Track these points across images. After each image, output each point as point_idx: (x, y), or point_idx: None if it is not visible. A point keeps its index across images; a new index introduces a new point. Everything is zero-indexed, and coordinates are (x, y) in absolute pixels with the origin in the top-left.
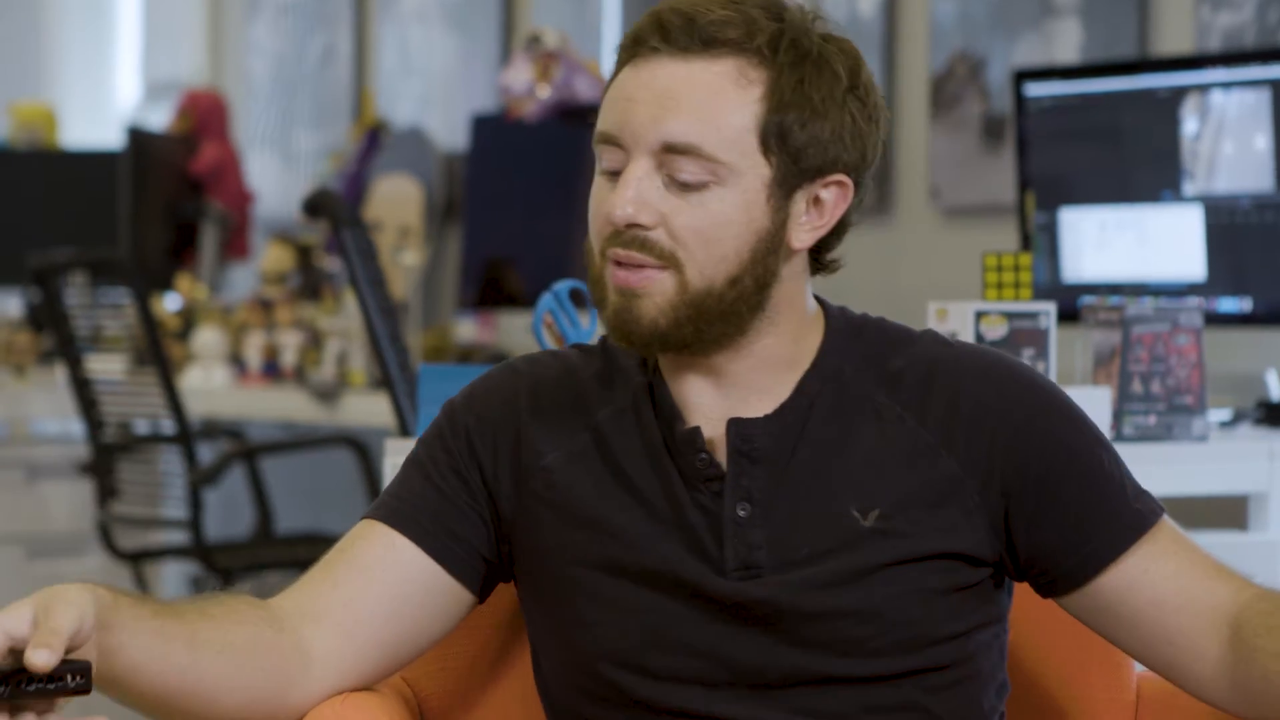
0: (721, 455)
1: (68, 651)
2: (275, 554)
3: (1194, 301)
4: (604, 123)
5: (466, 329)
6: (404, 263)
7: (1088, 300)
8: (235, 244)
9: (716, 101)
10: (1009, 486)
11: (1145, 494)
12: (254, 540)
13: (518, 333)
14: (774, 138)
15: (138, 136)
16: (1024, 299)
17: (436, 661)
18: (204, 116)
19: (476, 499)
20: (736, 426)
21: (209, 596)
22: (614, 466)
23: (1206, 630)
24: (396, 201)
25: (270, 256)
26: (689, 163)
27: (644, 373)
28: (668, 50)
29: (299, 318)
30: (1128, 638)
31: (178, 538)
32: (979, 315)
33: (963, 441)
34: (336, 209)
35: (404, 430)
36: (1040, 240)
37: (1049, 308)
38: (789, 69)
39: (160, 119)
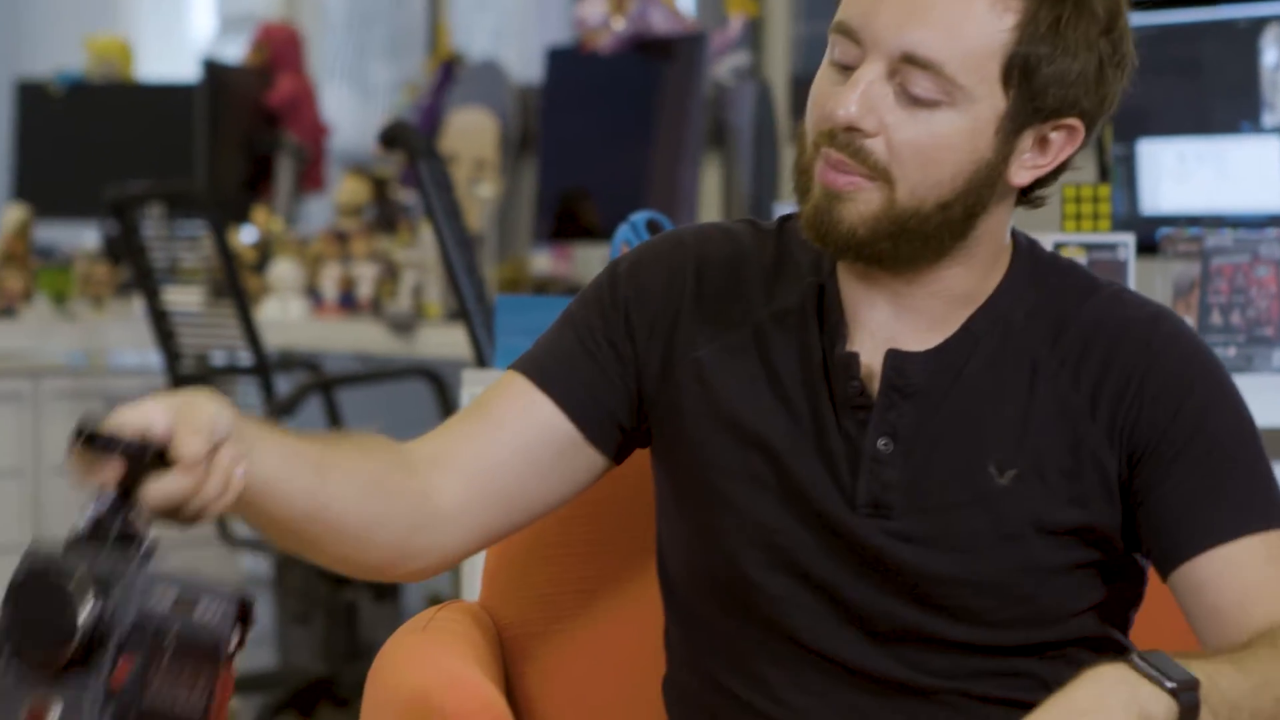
0: (874, 384)
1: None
2: None
3: (1274, 233)
4: (845, 12)
5: (542, 261)
6: (479, 195)
7: (1166, 232)
8: (310, 176)
9: (968, 21)
10: (1138, 454)
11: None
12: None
13: (594, 264)
14: (1018, 70)
15: (213, 70)
16: (1102, 230)
17: (514, 589)
18: (279, 49)
19: (625, 370)
20: (893, 359)
21: (339, 433)
22: (768, 371)
23: None
24: (471, 134)
25: (346, 189)
26: (925, 78)
27: (817, 272)
28: None
29: (375, 250)
30: (1203, 630)
31: None
32: (1058, 247)
33: (1107, 410)
34: (413, 141)
35: (481, 361)
36: (1118, 172)
37: (1128, 239)
38: (1049, 3)
39: (235, 52)
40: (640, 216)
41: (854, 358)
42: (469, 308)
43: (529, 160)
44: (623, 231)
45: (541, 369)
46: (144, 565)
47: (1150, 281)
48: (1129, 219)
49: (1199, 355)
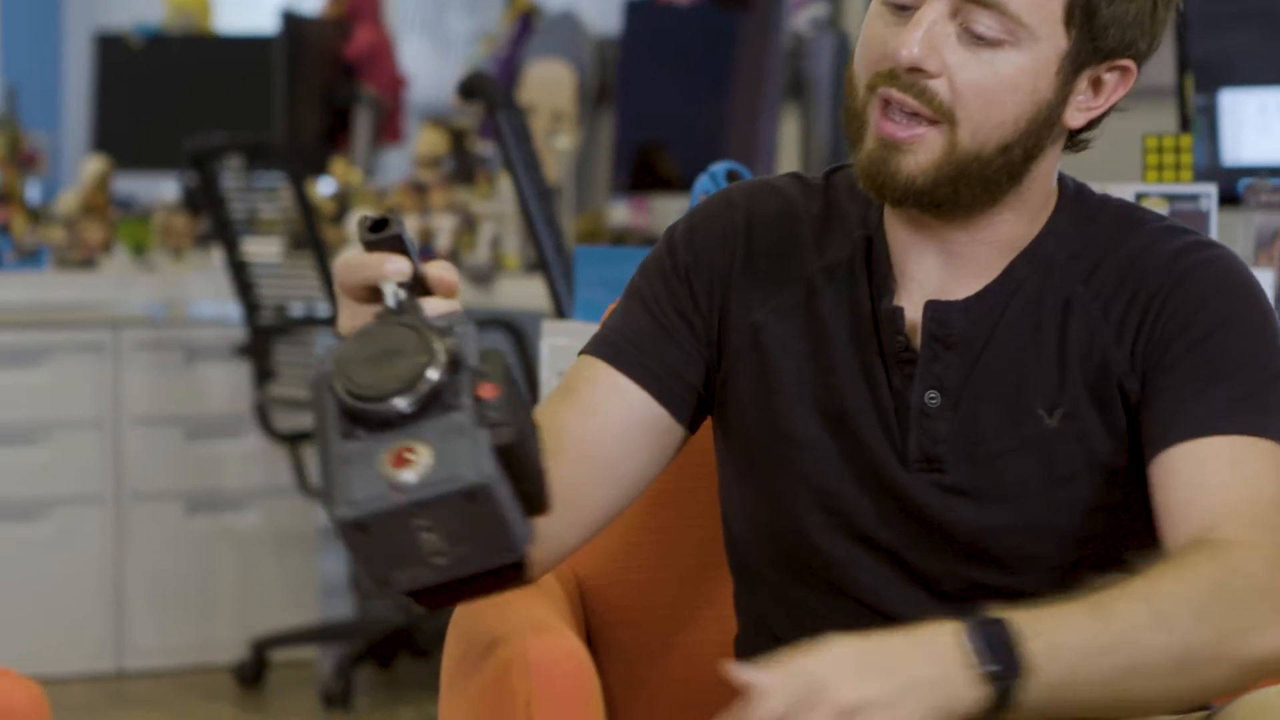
0: (919, 337)
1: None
2: None
3: None
4: None
5: (620, 213)
6: (557, 147)
7: (1248, 183)
8: (388, 128)
9: None
10: (1149, 369)
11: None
12: None
13: (672, 216)
14: (1080, 10)
15: (291, 21)
16: (1184, 181)
17: (596, 544)
18: (357, 1)
19: (696, 338)
20: (933, 310)
21: None
22: (821, 331)
23: None
24: (549, 86)
25: (424, 140)
26: (989, 17)
27: (864, 224)
28: None
29: (453, 201)
30: (1159, 531)
31: None
32: (1139, 197)
33: (1130, 336)
34: (492, 92)
35: (560, 312)
36: (1200, 123)
37: (1209, 190)
38: None
39: (314, 4)
40: (720, 167)
41: (899, 312)
42: (548, 259)
43: (607, 112)
44: (702, 182)
45: (620, 352)
46: (465, 324)
47: (1232, 232)
48: (1210, 170)
49: (1228, 278)
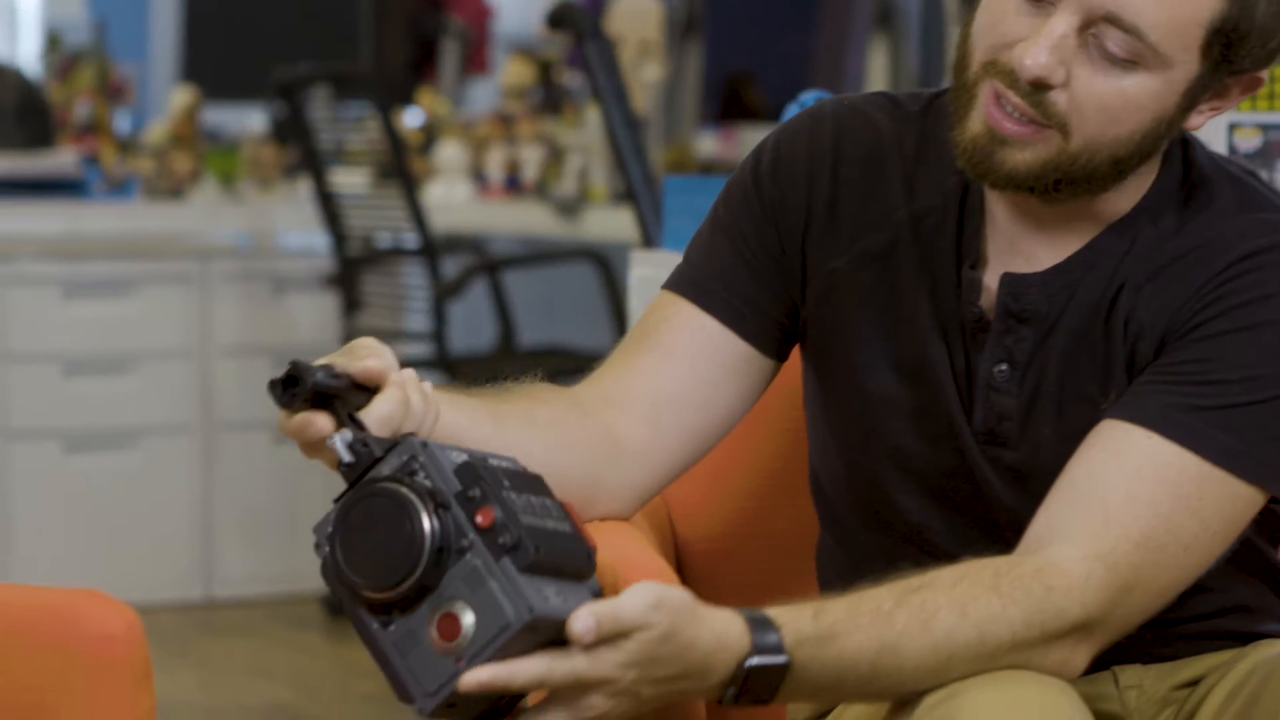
0: (994, 307)
1: (374, 397)
2: (517, 367)
3: None
4: None
5: (707, 144)
6: (644, 77)
7: None
8: (475, 59)
9: None
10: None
11: (1241, 452)
12: (496, 353)
13: None
14: (1220, 42)
15: None
16: (1279, 110)
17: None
18: None
19: (781, 272)
20: (1010, 284)
21: (503, 384)
22: (900, 284)
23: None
24: (636, 16)
25: (511, 71)
26: (1124, 39)
27: (961, 171)
28: None
29: (540, 132)
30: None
31: (421, 350)
32: (1232, 127)
33: (1167, 319)
34: (580, 22)
35: (648, 242)
36: None
37: None
38: None
39: None
40: (809, 96)
41: (978, 280)
42: (636, 189)
43: (694, 42)
44: (791, 112)
45: (701, 288)
46: (426, 450)
47: None
48: None
49: (1266, 287)
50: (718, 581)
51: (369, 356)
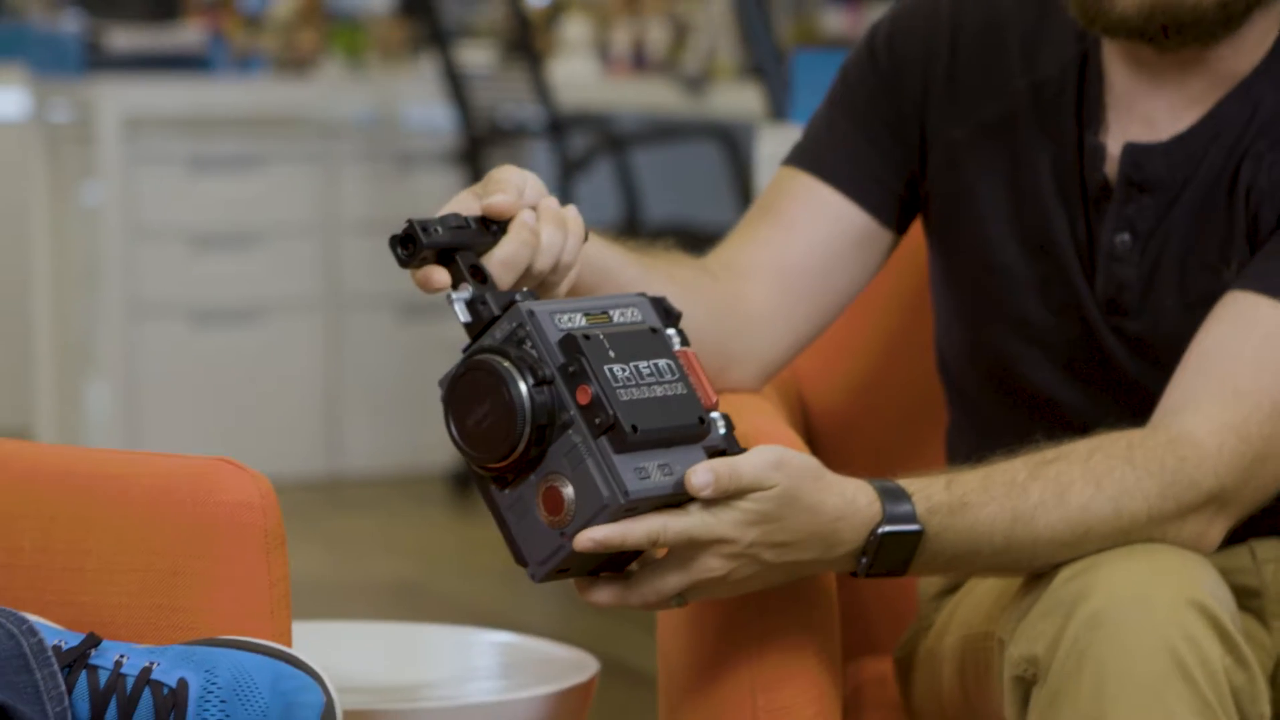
0: (1115, 177)
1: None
2: (643, 245)
3: None
4: None
5: (834, 19)
6: None
7: None
8: None
9: None
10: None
11: None
12: (621, 231)
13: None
14: None
15: None
16: None
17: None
18: None
19: (901, 144)
20: (1131, 154)
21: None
22: (1021, 154)
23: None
24: None
25: None
26: None
27: (1082, 37)
28: None
29: (666, 8)
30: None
31: None
32: None
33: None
34: None
35: (777, 115)
36: None
37: None
38: None
39: None
40: None
41: (1101, 148)
42: (764, 64)
43: None
44: None
45: (822, 162)
46: (533, 319)
47: None
48: None
49: None
50: (848, 456)
51: (497, 191)
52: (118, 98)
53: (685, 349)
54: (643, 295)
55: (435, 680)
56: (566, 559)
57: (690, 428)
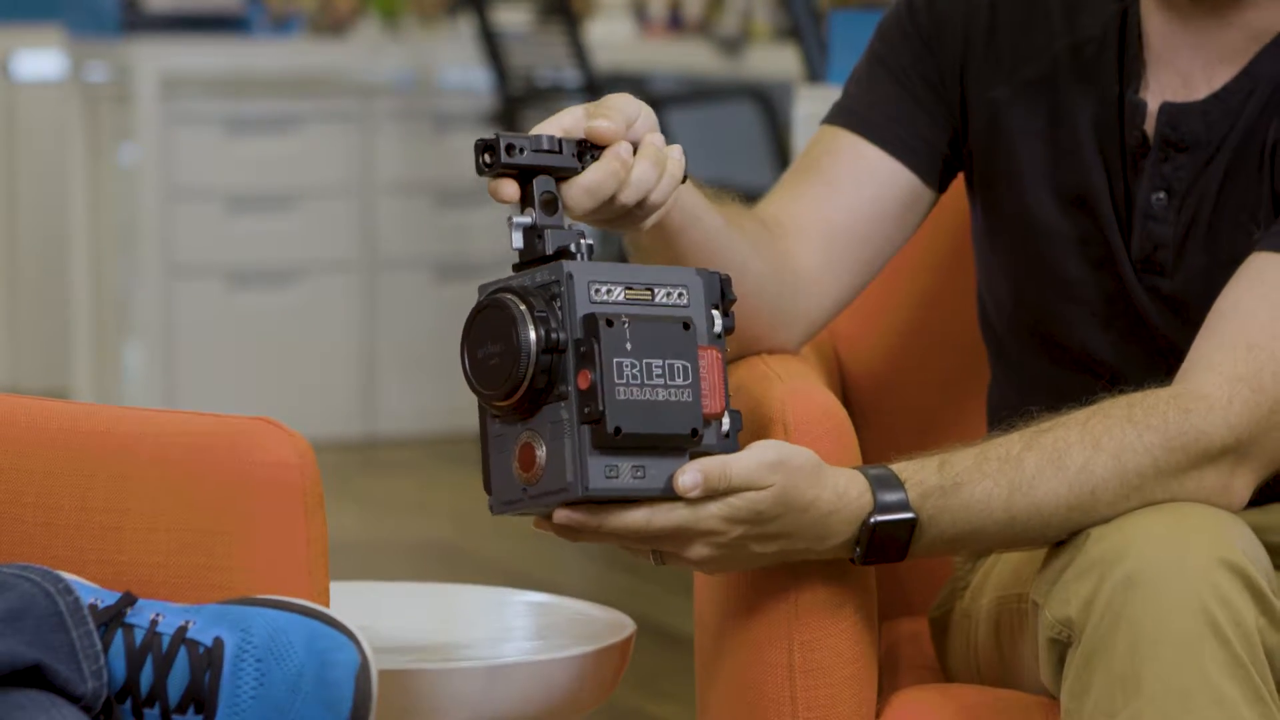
0: (1153, 135)
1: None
2: None
3: None
4: None
5: None
6: None
7: None
8: None
9: None
10: None
11: None
12: None
13: None
14: None
15: None
16: None
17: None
18: None
19: (940, 100)
20: (1168, 113)
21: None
22: (1061, 112)
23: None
24: None
25: None
26: None
27: None
28: None
29: None
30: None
31: None
32: None
33: None
34: None
35: (814, 77)
36: None
37: None
38: None
39: None
40: None
41: (1142, 105)
42: (801, 24)
43: None
44: None
45: (865, 121)
46: (570, 283)
47: None
48: None
49: None
50: (886, 416)
51: (604, 117)
52: (155, 58)
53: (712, 348)
54: (700, 272)
55: (471, 640)
56: (525, 510)
57: (679, 438)
